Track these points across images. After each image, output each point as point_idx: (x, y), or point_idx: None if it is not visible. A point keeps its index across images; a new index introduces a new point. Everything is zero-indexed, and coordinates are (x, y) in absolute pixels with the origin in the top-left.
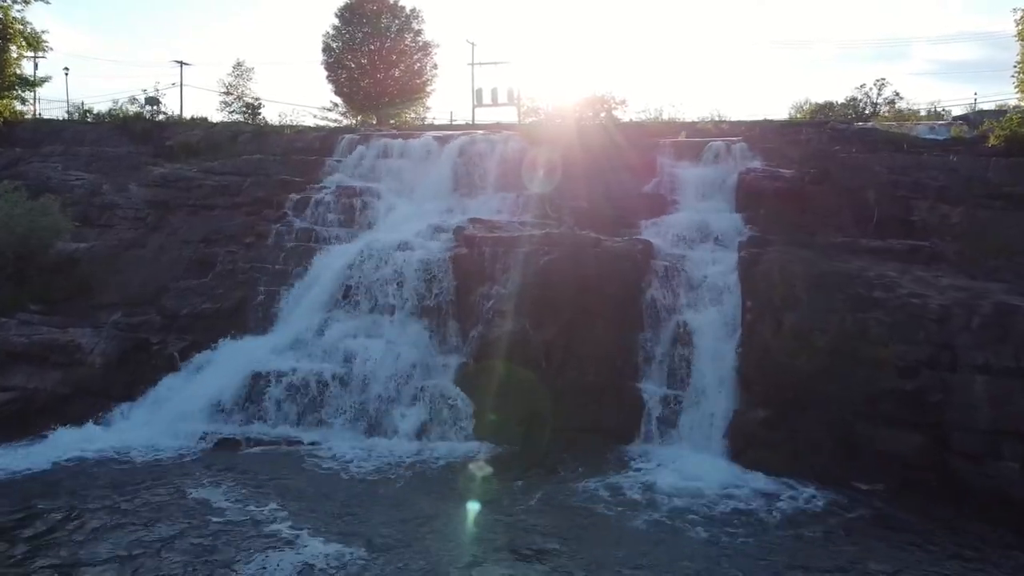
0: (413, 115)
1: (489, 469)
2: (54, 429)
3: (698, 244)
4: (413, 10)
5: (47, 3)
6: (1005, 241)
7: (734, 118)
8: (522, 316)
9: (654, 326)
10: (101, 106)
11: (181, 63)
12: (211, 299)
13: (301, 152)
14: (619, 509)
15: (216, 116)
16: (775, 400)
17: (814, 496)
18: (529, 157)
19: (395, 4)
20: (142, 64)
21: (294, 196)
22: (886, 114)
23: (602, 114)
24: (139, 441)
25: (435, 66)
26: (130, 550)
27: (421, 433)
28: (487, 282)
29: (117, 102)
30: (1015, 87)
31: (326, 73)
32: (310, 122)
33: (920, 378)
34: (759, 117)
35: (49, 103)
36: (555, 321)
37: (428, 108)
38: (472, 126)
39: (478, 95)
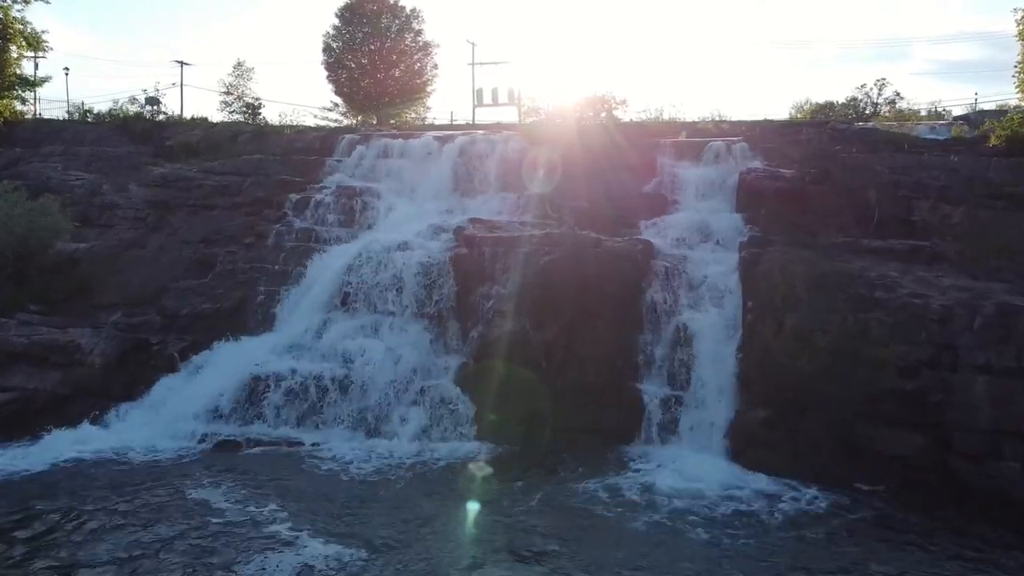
0: (413, 115)
1: (489, 470)
2: (53, 429)
3: (699, 244)
4: (413, 10)
5: (47, 3)
6: (1006, 241)
7: (734, 118)
8: (522, 316)
9: (654, 327)
10: (101, 106)
11: (181, 63)
12: (211, 299)
13: (301, 152)
14: (619, 510)
15: (216, 116)
16: (776, 400)
17: (816, 497)
18: (529, 157)
19: (395, 4)
20: (142, 64)
21: (294, 196)
22: (887, 114)
23: (602, 114)
24: (138, 442)
25: (435, 66)
26: (129, 551)
27: (421, 434)
28: (487, 282)
29: (117, 102)
30: (1016, 87)
31: (326, 73)
32: (310, 122)
33: (921, 378)
34: (759, 117)
35: (49, 103)
36: (555, 321)
37: (428, 108)
38: (472, 126)
39: (478, 95)
